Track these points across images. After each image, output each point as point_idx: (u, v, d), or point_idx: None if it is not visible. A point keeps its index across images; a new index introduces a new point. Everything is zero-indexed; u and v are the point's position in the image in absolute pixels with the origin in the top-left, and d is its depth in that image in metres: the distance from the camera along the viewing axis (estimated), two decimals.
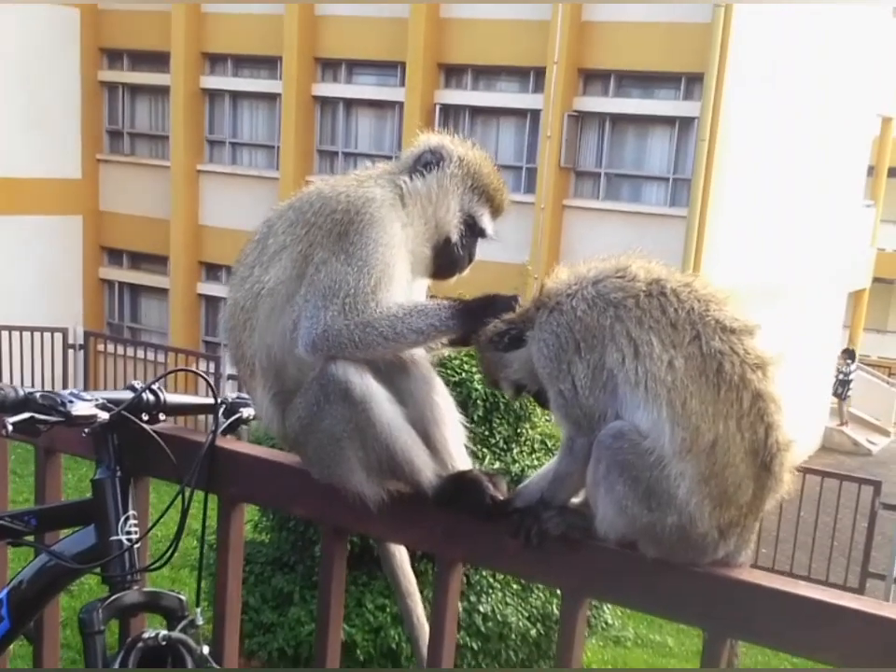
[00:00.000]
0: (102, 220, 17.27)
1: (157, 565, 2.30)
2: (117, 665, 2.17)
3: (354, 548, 5.62)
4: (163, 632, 2.21)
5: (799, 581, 1.86)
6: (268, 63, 15.81)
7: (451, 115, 14.62)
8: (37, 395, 2.11)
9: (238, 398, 2.48)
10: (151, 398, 2.33)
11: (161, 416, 2.36)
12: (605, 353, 1.84)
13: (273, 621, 6.68)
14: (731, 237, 13.63)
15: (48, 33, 15.90)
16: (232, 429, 2.45)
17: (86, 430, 2.20)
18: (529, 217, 13.72)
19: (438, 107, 14.52)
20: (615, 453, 1.79)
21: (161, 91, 16.55)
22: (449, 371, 6.40)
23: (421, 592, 2.41)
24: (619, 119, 14.01)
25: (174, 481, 2.30)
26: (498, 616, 6.59)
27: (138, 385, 2.34)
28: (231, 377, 12.34)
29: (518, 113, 14.50)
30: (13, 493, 5.58)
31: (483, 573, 6.60)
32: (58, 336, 14.00)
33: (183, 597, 2.31)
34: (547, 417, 7.01)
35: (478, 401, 6.67)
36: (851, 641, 1.70)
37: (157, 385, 2.36)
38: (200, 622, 2.28)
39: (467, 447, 2.18)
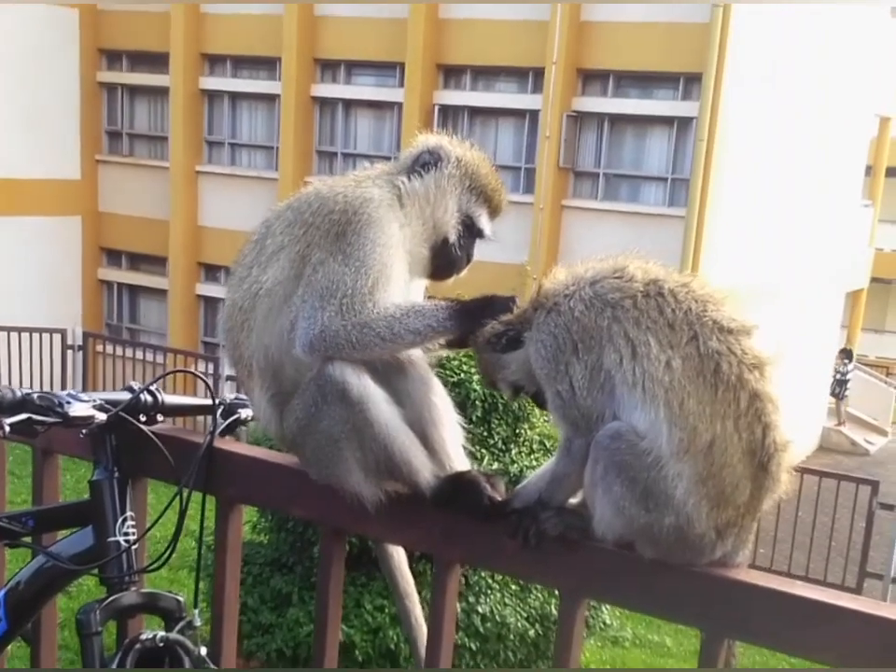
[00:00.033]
0: (101, 221, 17.26)
1: (154, 566, 2.30)
2: (114, 667, 2.16)
3: (352, 549, 5.62)
4: (161, 633, 2.21)
5: (796, 581, 1.86)
6: (267, 64, 15.81)
7: (450, 115, 14.62)
8: (35, 396, 2.11)
9: (236, 398, 2.47)
10: (149, 399, 2.32)
11: (159, 417, 2.36)
12: (602, 354, 1.84)
13: (271, 621, 6.68)
14: (729, 237, 13.64)
15: (46, 33, 15.89)
16: (231, 430, 2.44)
17: (84, 431, 2.20)
18: (528, 217, 13.72)
19: (437, 108, 14.52)
20: (613, 453, 1.79)
21: (161, 92, 16.54)
22: (448, 372, 6.41)
23: (419, 592, 2.41)
24: (617, 120, 14.01)
25: (171, 482, 2.30)
26: (497, 617, 6.59)
27: (136, 385, 2.34)
28: (230, 378, 12.33)
29: (517, 113, 14.51)
30: (12, 494, 5.58)
31: (482, 574, 6.61)
32: (57, 337, 14.00)
33: (181, 598, 2.31)
34: (545, 418, 7.01)
35: (476, 402, 6.67)
36: (849, 641, 1.70)
37: (155, 386, 2.35)
38: (198, 623, 2.28)
39: (465, 448, 2.17)
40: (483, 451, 6.73)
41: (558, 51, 13.43)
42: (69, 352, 14.16)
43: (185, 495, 2.25)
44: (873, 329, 26.02)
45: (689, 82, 13.30)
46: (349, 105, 15.54)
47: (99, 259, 17.52)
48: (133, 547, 2.27)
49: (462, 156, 2.16)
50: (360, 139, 15.68)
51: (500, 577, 6.62)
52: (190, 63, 15.89)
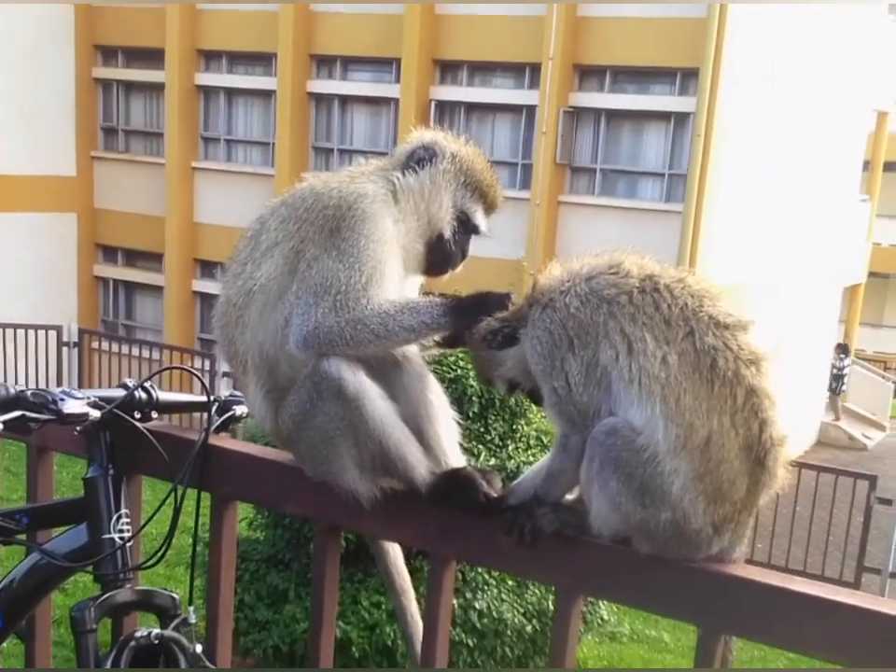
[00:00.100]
0: (96, 217, 17.23)
1: (149, 563, 2.29)
2: (109, 664, 2.16)
3: (349, 545, 5.62)
4: (156, 630, 2.20)
5: (794, 576, 1.85)
6: (263, 60, 15.78)
7: (446, 111, 14.61)
8: (28, 393, 2.10)
9: (231, 395, 2.47)
10: (143, 395, 2.31)
11: (154, 414, 2.35)
12: (598, 349, 1.83)
13: (267, 618, 6.68)
14: (727, 232, 13.64)
15: (42, 29, 15.86)
16: (225, 427, 2.44)
17: (78, 428, 2.19)
18: (525, 213, 13.71)
19: (433, 104, 14.51)
20: (609, 449, 1.79)
21: (156, 88, 16.52)
22: (444, 368, 6.40)
23: (416, 589, 2.40)
24: (614, 115, 14.00)
25: (166, 479, 2.29)
26: (494, 613, 6.59)
27: (130, 382, 2.33)
28: (225, 374, 12.32)
29: (513, 109, 14.49)
30: (8, 491, 5.57)
31: (479, 570, 6.61)
32: (52, 334, 13.98)
33: (176, 596, 2.30)
34: (542, 414, 7.01)
35: (473, 398, 6.67)
36: (847, 637, 1.70)
37: (149, 382, 2.34)
38: (193, 620, 2.27)
39: (461, 444, 2.17)
40: (480, 447, 6.73)
41: (555, 47, 13.41)
42: (65, 349, 14.15)
43: (179, 492, 2.24)
44: (870, 324, 26.04)
45: (686, 77, 13.29)
46: (345, 100, 15.52)
47: (95, 256, 17.50)
48: (128, 544, 2.27)
49: (457, 152, 2.15)
50: (357, 135, 15.66)
51: (497, 573, 6.62)
52: (186, 58, 15.86)
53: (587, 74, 14.00)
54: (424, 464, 2.02)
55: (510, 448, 6.97)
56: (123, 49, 16.82)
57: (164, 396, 2.37)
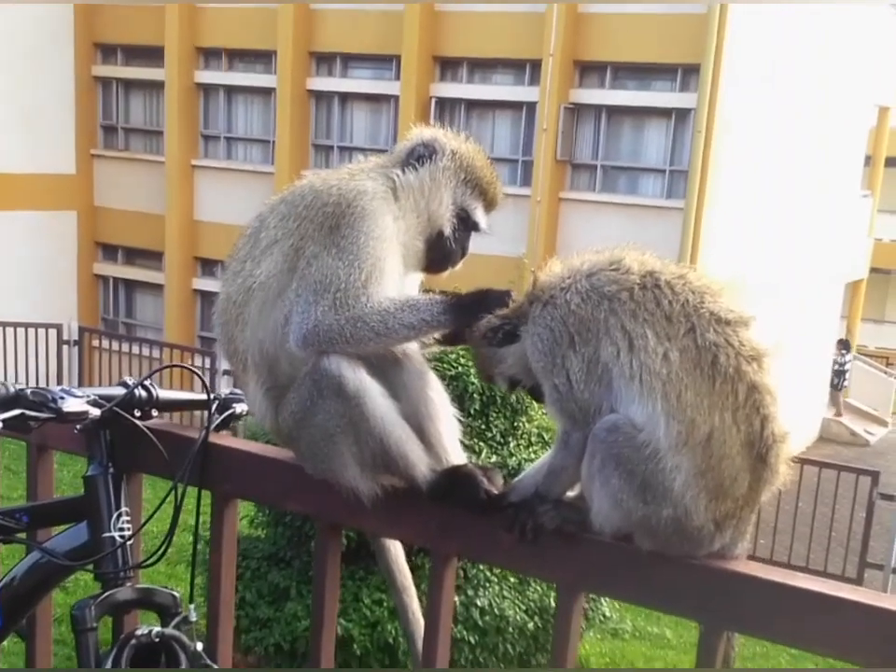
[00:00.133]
0: (96, 216, 17.23)
1: (150, 561, 2.29)
2: (110, 662, 2.16)
3: (350, 543, 5.62)
4: (157, 628, 2.20)
5: (796, 572, 1.85)
6: (262, 58, 15.77)
7: (446, 108, 14.60)
8: (28, 391, 2.10)
9: (231, 393, 2.46)
10: (143, 394, 2.31)
11: (154, 412, 2.34)
12: (599, 346, 1.83)
13: (269, 616, 6.68)
14: (728, 228, 13.62)
15: (41, 27, 15.85)
16: (226, 425, 2.43)
17: (78, 427, 2.19)
18: (525, 210, 13.70)
19: (433, 101, 14.50)
20: (610, 446, 1.78)
21: (156, 86, 16.51)
22: (445, 365, 6.40)
23: (417, 586, 2.40)
24: (615, 111, 13.99)
25: (166, 477, 2.29)
26: (496, 610, 6.59)
27: (130, 381, 2.33)
28: (226, 372, 12.32)
29: (514, 106, 14.48)
30: (8, 489, 5.57)
31: (481, 567, 6.61)
32: (52, 332, 13.98)
33: (176, 594, 2.30)
34: (543, 411, 7.01)
35: (474, 395, 6.67)
36: (849, 633, 1.70)
37: (149, 381, 2.34)
38: (193, 618, 2.27)
39: (462, 441, 2.16)
40: (482, 444, 6.73)
41: (555, 43, 13.40)
42: (65, 347, 14.16)
43: (180, 490, 2.24)
44: (872, 320, 26.02)
45: (686, 73, 13.28)
46: (345, 98, 15.51)
47: (95, 254, 17.50)
48: (128, 542, 2.26)
49: (457, 148, 2.15)
50: (357, 132, 15.65)
51: (499, 570, 6.62)
52: (185, 56, 15.86)
53: (588, 70, 13.99)
54: (424, 461, 2.02)
55: (511, 445, 6.96)
56: (123, 47, 16.80)
57: (164, 394, 2.36)
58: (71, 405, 2.12)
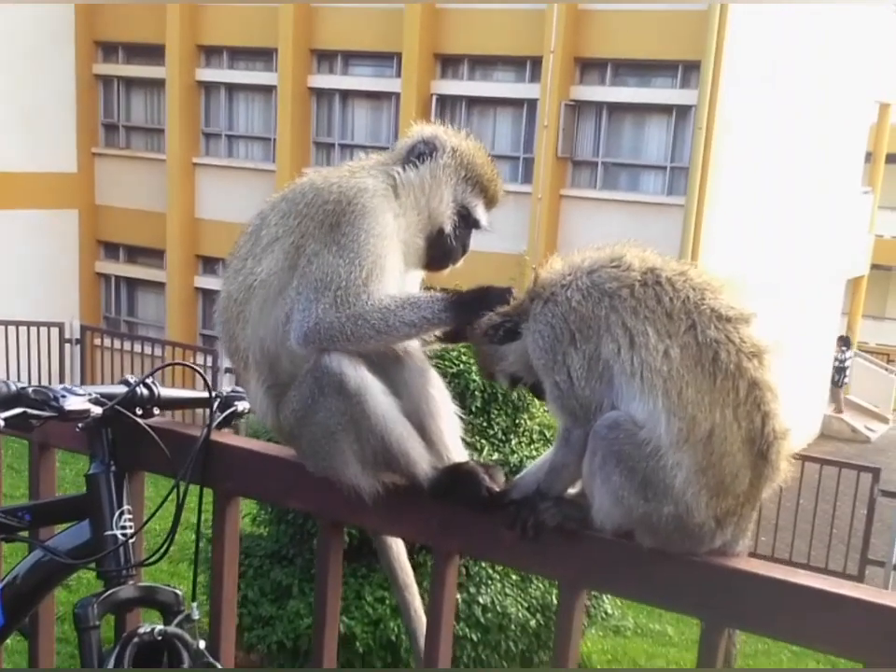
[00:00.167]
0: (98, 214, 17.23)
1: (152, 560, 2.29)
2: (112, 661, 2.16)
3: (353, 540, 5.63)
4: (159, 627, 2.20)
5: (797, 569, 1.85)
6: (263, 55, 15.76)
7: (447, 105, 14.59)
8: (30, 390, 2.11)
9: (233, 391, 2.46)
10: (145, 392, 2.31)
11: (156, 411, 2.34)
12: (600, 343, 1.82)
13: (271, 614, 6.69)
14: (729, 225, 13.62)
15: (42, 26, 15.84)
16: (227, 423, 2.43)
17: (80, 425, 2.19)
18: (527, 207, 13.70)
19: (434, 98, 14.49)
20: (611, 443, 1.78)
21: (157, 84, 16.50)
22: (447, 363, 6.40)
23: (419, 584, 2.40)
24: (616, 108, 13.98)
25: (168, 475, 2.29)
26: (498, 607, 6.60)
27: (132, 379, 2.33)
28: (228, 370, 12.33)
29: (515, 103, 14.47)
30: (11, 488, 5.57)
31: (483, 564, 6.61)
32: (54, 331, 13.99)
33: (179, 592, 2.30)
34: (545, 408, 7.01)
35: (476, 392, 6.67)
36: (850, 630, 1.69)
37: (151, 379, 2.34)
38: (196, 616, 2.27)
39: (464, 439, 2.16)
40: (483, 441, 6.73)
41: (556, 40, 13.39)
42: (67, 345, 14.17)
43: (182, 488, 2.24)
44: (873, 316, 25.99)
45: (687, 70, 13.27)
46: (346, 95, 15.50)
47: (96, 253, 17.51)
48: (131, 541, 2.27)
49: (457, 146, 2.15)
50: (358, 130, 15.65)
51: (501, 567, 6.62)
52: (186, 54, 15.85)
53: (588, 67, 13.98)
54: (426, 459, 2.02)
55: (513, 443, 6.97)
56: (124, 46, 16.80)
57: (166, 392, 2.36)
58: (73, 403, 2.13)
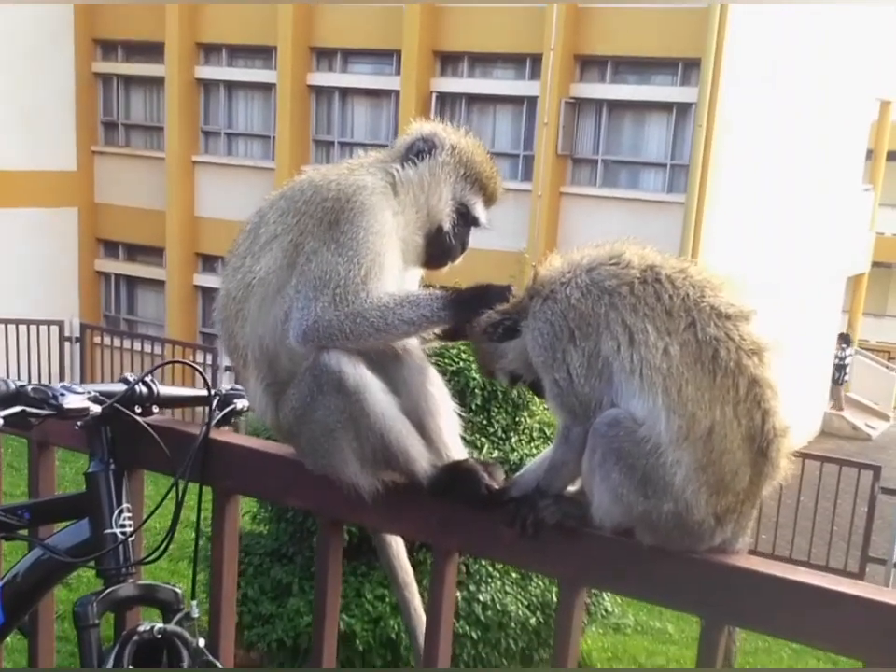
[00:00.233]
0: (97, 212, 17.23)
1: (152, 558, 2.29)
2: (112, 659, 2.16)
3: (352, 538, 5.63)
4: (159, 625, 2.20)
5: (797, 566, 1.85)
6: (263, 53, 15.76)
7: (447, 103, 14.58)
8: (29, 388, 2.10)
9: (232, 389, 2.46)
10: (144, 390, 2.31)
11: (155, 409, 2.34)
12: (600, 341, 1.82)
13: (271, 612, 6.69)
14: (729, 223, 13.61)
15: (41, 25, 15.83)
16: (227, 421, 2.43)
17: (79, 423, 2.19)
18: (526, 204, 13.69)
19: (434, 95, 14.48)
20: (610, 441, 1.78)
21: (156, 82, 16.49)
22: (446, 361, 6.40)
23: (419, 582, 2.40)
24: (616, 106, 13.97)
25: (168, 473, 2.29)
26: (498, 605, 6.60)
27: (131, 377, 2.33)
28: (227, 368, 12.33)
29: (515, 100, 14.46)
30: (11, 486, 5.57)
31: (483, 562, 6.61)
32: (54, 329, 13.99)
33: (178, 590, 2.30)
34: (545, 406, 7.00)
35: (476, 390, 6.67)
36: (850, 627, 1.69)
37: (150, 377, 2.34)
38: (195, 614, 2.27)
39: (464, 437, 2.16)
40: (483, 439, 6.73)
41: (556, 38, 13.38)
42: (67, 344, 14.16)
43: (181, 486, 2.24)
44: (874, 314, 25.99)
45: (687, 68, 13.26)
46: (346, 93, 15.49)
47: (96, 251, 17.50)
48: (130, 539, 2.26)
49: (456, 143, 2.14)
50: (357, 128, 15.64)
51: (501, 565, 6.62)
52: (186, 52, 15.84)
53: (588, 64, 13.97)
54: (425, 457, 2.02)
55: (513, 440, 6.96)
56: (123, 44, 16.79)
57: (165, 390, 2.36)
58: (72, 402, 2.12)
